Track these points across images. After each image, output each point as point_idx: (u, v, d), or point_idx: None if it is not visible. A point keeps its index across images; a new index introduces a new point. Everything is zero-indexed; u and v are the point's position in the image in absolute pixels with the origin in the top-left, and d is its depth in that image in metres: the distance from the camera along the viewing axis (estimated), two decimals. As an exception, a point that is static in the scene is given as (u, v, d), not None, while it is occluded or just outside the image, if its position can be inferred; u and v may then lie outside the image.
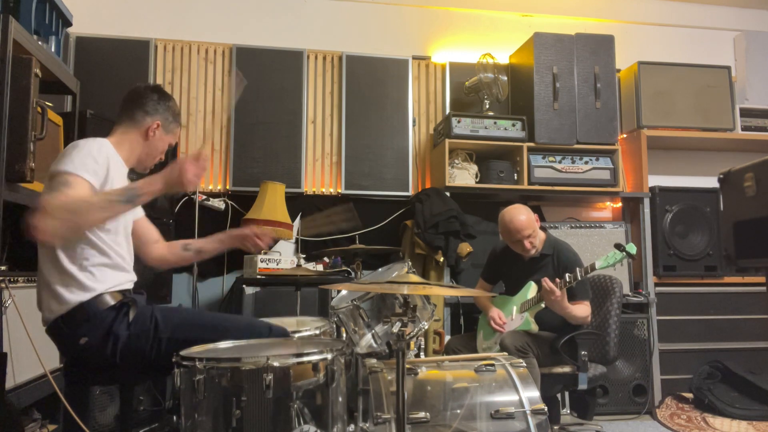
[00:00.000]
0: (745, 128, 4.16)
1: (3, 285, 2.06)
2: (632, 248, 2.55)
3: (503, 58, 4.16)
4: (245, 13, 4.08)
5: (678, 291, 3.83)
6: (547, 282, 2.55)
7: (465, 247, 3.56)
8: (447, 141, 3.67)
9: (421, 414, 1.76)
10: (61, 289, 1.71)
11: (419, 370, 1.94)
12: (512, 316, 2.79)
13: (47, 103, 2.37)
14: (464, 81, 4.09)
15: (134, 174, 1.99)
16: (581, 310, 2.66)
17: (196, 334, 1.80)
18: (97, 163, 1.74)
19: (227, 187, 3.79)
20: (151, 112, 1.95)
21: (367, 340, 2.11)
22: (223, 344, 1.77)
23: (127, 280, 1.88)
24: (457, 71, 4.17)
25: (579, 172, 3.79)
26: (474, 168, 3.79)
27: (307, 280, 3.07)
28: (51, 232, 1.56)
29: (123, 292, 1.83)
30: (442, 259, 3.51)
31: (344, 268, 3.62)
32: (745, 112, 4.19)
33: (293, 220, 3.70)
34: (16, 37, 2.19)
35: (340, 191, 3.92)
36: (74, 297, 1.72)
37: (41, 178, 2.38)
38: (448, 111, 4.12)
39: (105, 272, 1.79)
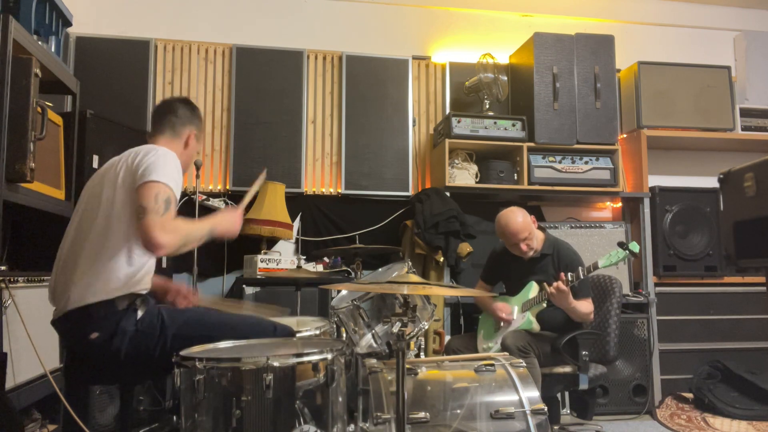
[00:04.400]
0: (745, 128, 4.16)
1: (3, 285, 2.06)
2: (635, 246, 2.55)
3: (503, 58, 4.16)
4: (245, 13, 4.08)
5: (678, 291, 3.83)
6: (557, 285, 2.56)
7: (465, 247, 3.56)
8: (447, 141, 3.67)
9: (421, 414, 1.76)
10: (95, 281, 1.73)
11: (419, 370, 1.94)
12: (514, 315, 2.79)
13: (47, 103, 2.37)
14: (464, 81, 4.09)
15: None
16: (585, 306, 2.68)
17: (202, 332, 1.82)
18: (181, 179, 1.88)
19: (227, 187, 3.79)
20: (188, 122, 2.07)
21: (367, 340, 2.11)
22: (223, 344, 1.77)
23: (150, 284, 1.92)
24: (457, 71, 4.17)
25: (579, 172, 3.79)
26: (474, 168, 3.79)
27: (307, 280, 3.07)
28: (169, 249, 1.70)
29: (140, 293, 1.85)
30: (442, 259, 3.50)
31: (344, 268, 3.62)
32: (745, 112, 4.19)
33: (293, 220, 3.70)
34: (16, 37, 2.19)
35: (340, 191, 3.92)
36: (108, 291, 1.73)
37: (41, 178, 2.38)
38: (448, 111, 4.12)
39: (145, 275, 1.83)
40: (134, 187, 1.76)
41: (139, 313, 1.78)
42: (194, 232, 1.82)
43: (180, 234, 1.73)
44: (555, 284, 2.57)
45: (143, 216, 1.68)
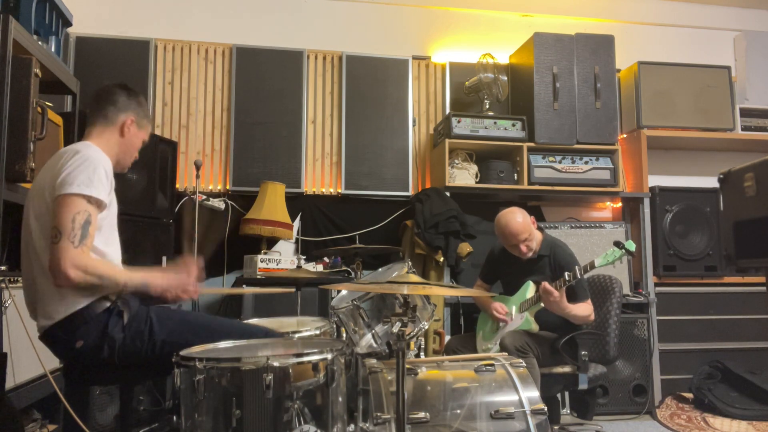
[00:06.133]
0: (745, 128, 4.16)
1: (3, 285, 2.06)
2: (631, 245, 2.55)
3: (503, 58, 4.16)
4: (245, 13, 4.08)
5: (678, 291, 3.83)
6: (545, 285, 2.55)
7: (465, 247, 3.56)
8: (447, 141, 3.67)
9: (421, 414, 1.76)
10: (58, 297, 1.68)
11: (419, 370, 1.94)
12: (512, 316, 2.79)
13: (47, 103, 2.37)
14: (464, 81, 4.09)
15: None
16: (582, 309, 2.65)
17: (191, 338, 1.78)
18: (108, 181, 1.75)
19: (227, 187, 3.79)
20: (123, 108, 1.93)
21: (367, 340, 2.11)
22: (223, 344, 1.76)
23: None
24: (457, 71, 4.17)
25: (579, 172, 3.79)
26: (474, 168, 3.79)
27: (307, 280, 3.07)
28: (73, 284, 1.64)
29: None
30: (442, 259, 3.51)
31: (344, 268, 3.62)
32: (745, 112, 4.19)
33: (293, 220, 3.70)
34: (16, 37, 2.19)
35: (340, 191, 3.92)
36: (73, 303, 1.69)
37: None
38: (448, 111, 4.12)
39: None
40: (53, 197, 1.66)
41: (125, 318, 1.74)
42: (113, 277, 1.70)
43: (90, 274, 1.64)
44: (542, 284, 2.56)
45: (57, 240, 1.61)
